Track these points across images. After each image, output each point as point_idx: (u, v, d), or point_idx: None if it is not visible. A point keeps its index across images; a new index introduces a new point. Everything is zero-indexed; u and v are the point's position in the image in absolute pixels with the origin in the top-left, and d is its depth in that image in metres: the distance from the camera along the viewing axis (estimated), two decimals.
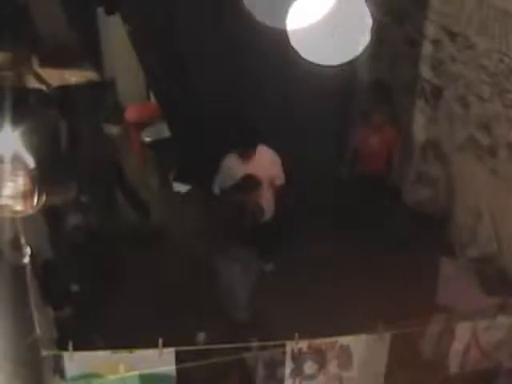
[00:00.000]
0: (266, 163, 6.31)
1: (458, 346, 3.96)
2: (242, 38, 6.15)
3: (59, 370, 3.78)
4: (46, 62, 8.50)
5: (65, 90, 8.13)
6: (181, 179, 8.76)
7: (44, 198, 3.21)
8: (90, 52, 7.73)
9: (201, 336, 6.12)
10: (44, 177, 3.18)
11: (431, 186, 7.22)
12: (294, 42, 3.28)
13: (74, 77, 7.84)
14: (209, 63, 6.21)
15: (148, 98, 10.52)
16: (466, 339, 3.88)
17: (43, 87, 8.03)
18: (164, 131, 8.74)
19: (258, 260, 6.10)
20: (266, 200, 6.32)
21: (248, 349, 3.76)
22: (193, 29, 5.88)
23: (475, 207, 7.07)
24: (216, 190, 6.52)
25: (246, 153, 6.30)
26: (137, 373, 3.70)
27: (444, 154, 7.37)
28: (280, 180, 6.57)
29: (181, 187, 8.82)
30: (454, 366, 4.08)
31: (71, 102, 7.36)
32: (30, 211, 3.26)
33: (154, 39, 5.85)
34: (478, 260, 7.12)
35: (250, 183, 5.80)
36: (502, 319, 3.93)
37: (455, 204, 7.48)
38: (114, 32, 9.06)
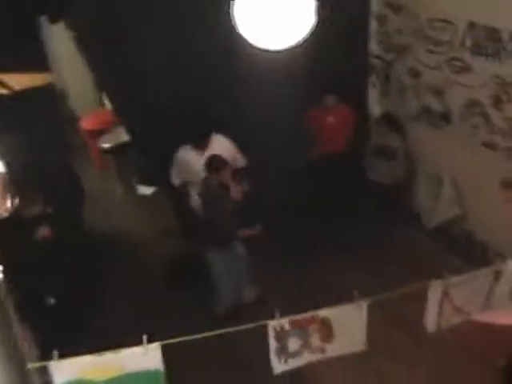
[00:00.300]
0: (221, 149, 6.29)
1: (432, 304, 4.09)
2: (192, 33, 6.18)
3: (46, 381, 3.79)
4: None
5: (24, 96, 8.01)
6: (145, 182, 8.77)
7: (17, 201, 3.23)
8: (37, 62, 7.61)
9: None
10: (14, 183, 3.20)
11: (391, 158, 7.34)
12: (242, 29, 3.33)
13: (34, 80, 7.69)
14: (158, 62, 6.21)
15: (102, 104, 10.49)
16: (438, 297, 4.02)
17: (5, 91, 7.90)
18: (122, 136, 8.70)
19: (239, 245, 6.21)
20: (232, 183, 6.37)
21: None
22: (139, 28, 5.89)
23: (435, 174, 7.25)
24: (176, 182, 6.53)
25: (201, 143, 6.33)
26: (125, 372, 3.71)
27: (400, 125, 7.53)
28: (241, 162, 6.60)
29: (145, 190, 8.83)
30: (430, 325, 4.22)
31: (28, 109, 7.28)
32: (4, 213, 3.27)
33: (100, 43, 5.82)
34: (443, 225, 7.32)
35: (216, 162, 5.84)
36: (469, 275, 4.09)
37: (416, 173, 7.66)
38: (60, 40, 9.03)
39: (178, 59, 6.27)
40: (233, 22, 3.25)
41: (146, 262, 7.30)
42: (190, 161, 6.33)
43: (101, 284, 6.81)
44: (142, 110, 6.44)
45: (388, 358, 5.92)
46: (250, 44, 3.35)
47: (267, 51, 3.45)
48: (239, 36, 3.28)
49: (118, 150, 9.03)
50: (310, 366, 5.46)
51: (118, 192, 8.95)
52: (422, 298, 4.27)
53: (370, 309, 3.95)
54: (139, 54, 6.06)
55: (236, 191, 6.16)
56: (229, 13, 3.26)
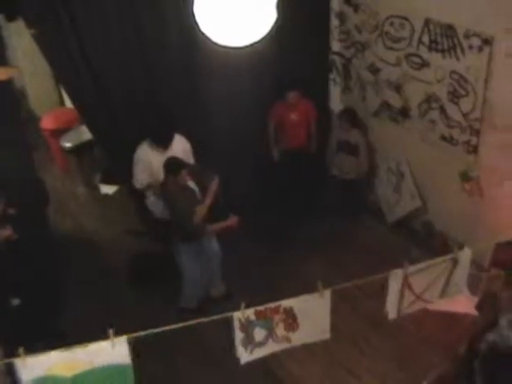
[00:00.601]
0: (181, 150, 6.25)
1: (392, 293, 4.20)
2: (151, 31, 6.19)
3: (13, 380, 3.78)
4: None
5: None
6: (107, 181, 8.72)
7: None
8: None
9: None
10: None
11: (352, 153, 7.46)
12: (203, 26, 3.36)
13: None
14: (118, 59, 6.19)
15: (62, 103, 10.40)
16: (398, 286, 4.13)
17: None
18: (84, 135, 8.64)
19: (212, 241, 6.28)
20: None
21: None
22: (99, 26, 5.88)
23: (396, 168, 7.40)
24: (138, 184, 6.40)
25: (163, 143, 6.21)
26: (93, 367, 3.72)
27: (361, 120, 7.66)
28: (191, 162, 6.46)
29: (108, 189, 8.79)
30: (391, 313, 4.33)
31: None
32: None
33: (62, 40, 5.78)
34: (405, 217, 7.47)
35: (175, 164, 5.82)
36: (428, 263, 4.21)
37: (377, 167, 7.81)
38: (20, 37, 8.94)
39: (139, 57, 6.26)
40: (194, 20, 3.27)
41: (110, 261, 7.29)
42: (153, 160, 6.21)
43: (64, 284, 6.77)
44: (103, 109, 6.41)
45: (352, 348, 6.05)
46: (212, 41, 3.38)
47: (228, 48, 3.48)
48: (200, 33, 3.30)
49: (80, 150, 8.97)
50: (276, 359, 5.65)
51: (80, 191, 8.90)
52: (383, 289, 4.38)
53: (335, 301, 4.04)
54: (99, 52, 6.04)
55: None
56: (190, 10, 3.29)
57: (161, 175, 5.96)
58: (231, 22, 3.20)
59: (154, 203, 6.29)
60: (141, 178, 6.27)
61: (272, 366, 5.76)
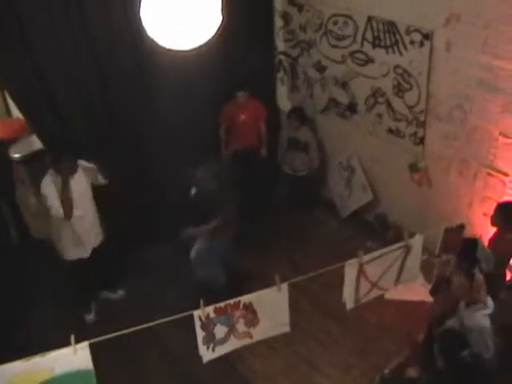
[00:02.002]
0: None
1: (348, 282, 4.29)
2: (98, 34, 6.16)
3: None
4: None
5: None
6: None
7: None
8: None
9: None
10: None
11: (303, 151, 7.57)
12: (149, 30, 3.39)
13: None
14: (69, 69, 6.15)
15: (8, 113, 10.20)
16: (354, 275, 4.22)
17: None
18: (34, 144, 8.49)
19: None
20: None
21: None
22: (48, 34, 5.83)
23: (346, 162, 7.53)
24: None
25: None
26: (55, 375, 3.69)
27: (309, 118, 7.77)
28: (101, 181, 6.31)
29: None
30: (349, 302, 4.42)
31: None
32: None
33: (10, 49, 5.71)
34: (358, 211, 7.60)
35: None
36: (382, 251, 4.32)
37: (328, 163, 7.93)
38: None
39: (88, 64, 6.23)
40: (140, 23, 3.30)
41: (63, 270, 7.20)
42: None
43: (24, 294, 6.68)
44: (54, 118, 6.35)
45: (313, 342, 6.13)
46: (159, 45, 3.40)
47: (175, 51, 3.51)
48: (147, 37, 3.33)
49: (30, 160, 8.81)
50: (238, 356, 5.69)
51: (32, 201, 8.74)
52: (341, 284, 4.47)
53: (293, 296, 4.10)
54: (48, 61, 5.99)
55: None
56: (137, 14, 3.30)
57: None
58: (177, 25, 3.23)
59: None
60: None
61: (235, 364, 5.79)
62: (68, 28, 5.95)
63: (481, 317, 4.50)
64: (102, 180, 6.18)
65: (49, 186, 5.77)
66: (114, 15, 6.11)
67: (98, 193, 6.17)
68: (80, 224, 6.00)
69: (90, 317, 6.54)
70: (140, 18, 3.19)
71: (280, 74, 8.15)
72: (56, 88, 6.13)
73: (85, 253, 6.15)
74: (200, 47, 3.41)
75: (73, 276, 6.35)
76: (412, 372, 4.89)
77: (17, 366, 3.62)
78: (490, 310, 4.55)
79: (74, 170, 5.84)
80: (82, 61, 6.16)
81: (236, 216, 6.20)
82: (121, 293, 6.85)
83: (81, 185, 5.92)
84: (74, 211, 5.80)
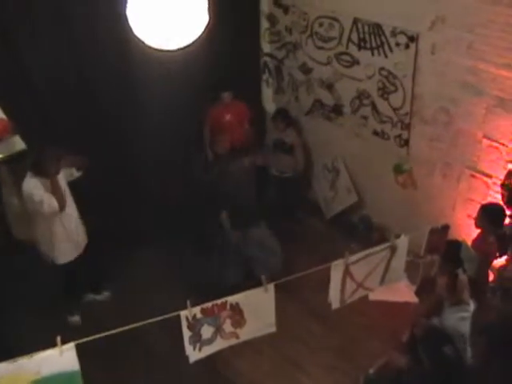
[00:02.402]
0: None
1: (334, 282, 4.30)
2: (83, 34, 6.13)
3: None
4: None
5: None
6: None
7: None
8: None
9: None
10: None
11: (288, 152, 7.55)
12: (136, 29, 3.38)
13: None
14: (48, 65, 6.10)
15: None
16: (340, 275, 4.24)
17: None
18: (17, 145, 8.44)
19: None
20: None
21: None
22: (32, 35, 5.80)
23: (331, 164, 7.56)
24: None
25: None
26: (41, 377, 3.67)
27: (294, 119, 7.79)
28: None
29: None
30: (334, 302, 4.43)
31: None
32: None
33: None
34: (343, 213, 7.63)
35: None
36: (367, 252, 4.34)
37: (313, 165, 7.96)
38: None
39: (72, 64, 6.20)
40: (127, 23, 3.29)
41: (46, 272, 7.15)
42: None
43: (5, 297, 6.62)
44: (38, 118, 6.32)
45: (299, 343, 6.15)
46: (145, 45, 3.40)
47: (162, 51, 3.50)
48: (132, 36, 3.32)
49: (14, 160, 8.75)
50: (224, 358, 5.69)
51: (15, 202, 8.67)
52: (327, 285, 4.48)
53: (279, 298, 4.11)
54: (33, 62, 5.96)
55: None
56: (123, 14, 3.30)
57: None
58: (164, 25, 3.24)
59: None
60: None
61: (220, 366, 5.78)
62: (51, 27, 5.92)
63: (457, 321, 4.55)
64: (76, 173, 6.12)
65: (29, 184, 5.71)
66: (99, 13, 6.08)
67: (79, 192, 6.14)
68: (69, 222, 5.98)
69: (76, 318, 6.49)
70: (126, 17, 3.19)
71: (265, 76, 8.16)
72: (40, 88, 6.10)
73: (76, 252, 6.11)
74: (186, 47, 3.41)
75: (59, 277, 6.31)
76: (401, 361, 4.92)
77: (2, 368, 3.59)
78: (468, 314, 4.61)
79: (57, 171, 5.80)
80: (65, 59, 6.12)
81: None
82: (106, 294, 6.82)
83: (62, 184, 5.89)
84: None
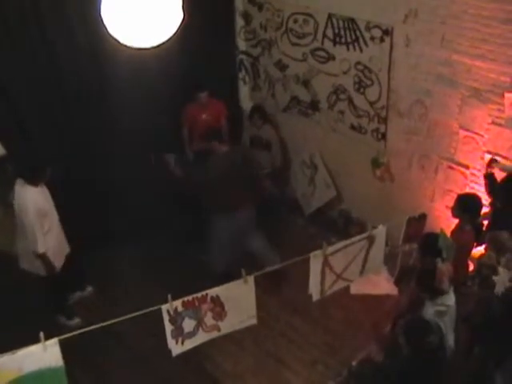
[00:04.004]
0: None
1: (314, 274, 4.31)
2: (57, 32, 6.11)
3: None
4: None
5: None
6: None
7: None
8: None
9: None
10: None
11: (266, 149, 7.58)
12: (110, 28, 3.37)
13: None
14: (28, 75, 6.08)
15: None
16: (319, 267, 4.25)
17: None
18: None
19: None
20: None
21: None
22: (4, 39, 5.79)
23: (309, 160, 7.58)
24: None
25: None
26: (25, 373, 3.64)
27: (271, 116, 7.82)
28: None
29: None
30: (315, 294, 4.44)
31: None
32: None
33: None
34: (322, 208, 7.66)
35: None
36: (346, 242, 4.37)
37: (291, 161, 7.98)
38: None
39: (48, 66, 6.17)
40: (101, 22, 3.28)
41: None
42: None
43: None
44: (16, 125, 6.28)
45: (281, 338, 6.16)
46: (119, 43, 3.39)
47: (136, 49, 3.50)
48: (108, 35, 3.31)
49: None
50: (206, 355, 5.69)
51: None
52: (307, 280, 4.49)
53: (260, 294, 4.12)
54: (8, 67, 5.92)
55: None
56: (97, 12, 3.28)
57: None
58: (138, 23, 3.23)
59: None
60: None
61: (203, 363, 5.78)
62: (24, 29, 5.90)
63: (432, 314, 4.58)
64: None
65: (28, 194, 5.62)
66: (74, 13, 6.07)
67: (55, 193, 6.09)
68: (58, 224, 6.00)
69: (76, 321, 6.38)
70: (100, 16, 3.17)
71: (241, 74, 8.18)
72: (19, 96, 6.08)
73: (63, 258, 6.08)
74: (161, 45, 3.41)
75: (46, 288, 6.23)
76: (377, 356, 4.94)
77: None
78: (445, 308, 4.63)
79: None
80: (41, 61, 6.10)
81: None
82: (90, 289, 6.82)
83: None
84: None
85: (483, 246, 5.18)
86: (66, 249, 6.17)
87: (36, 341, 3.55)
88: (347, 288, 5.61)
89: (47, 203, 5.80)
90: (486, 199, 5.40)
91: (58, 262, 5.99)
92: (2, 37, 5.80)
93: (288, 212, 7.99)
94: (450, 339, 4.70)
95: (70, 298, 6.66)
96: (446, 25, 5.50)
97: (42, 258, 5.72)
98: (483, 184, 5.46)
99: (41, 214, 5.63)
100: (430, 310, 4.60)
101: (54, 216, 5.91)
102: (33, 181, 5.62)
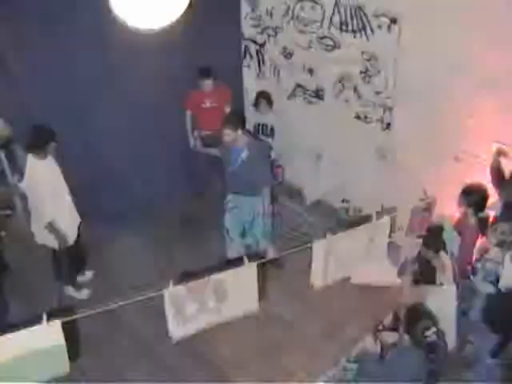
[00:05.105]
0: None
1: (316, 262, 4.29)
2: (62, 15, 6.06)
3: None
4: None
5: None
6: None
7: None
8: None
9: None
10: None
11: (269, 136, 7.53)
12: (116, 9, 3.34)
13: None
14: (28, 53, 6.06)
15: None
16: (322, 255, 4.23)
17: None
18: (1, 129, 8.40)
19: None
20: None
21: None
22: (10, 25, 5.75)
23: (313, 148, 7.54)
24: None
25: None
26: (27, 351, 3.68)
27: (276, 103, 7.72)
28: None
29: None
30: (317, 282, 4.43)
31: None
32: None
33: None
34: (324, 197, 7.62)
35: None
36: (349, 232, 4.34)
37: (295, 149, 7.89)
38: None
39: (51, 51, 6.13)
40: (107, 3, 3.25)
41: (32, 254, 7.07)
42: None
43: None
44: (19, 108, 6.25)
45: (281, 325, 6.14)
46: (124, 26, 3.36)
47: (142, 33, 3.47)
48: (113, 16, 3.28)
49: None
50: (206, 341, 5.67)
51: (1, 190, 8.58)
52: (309, 269, 4.48)
53: (262, 281, 4.10)
54: (13, 53, 5.89)
55: None
56: None
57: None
58: (144, 4, 3.21)
59: None
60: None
61: (203, 350, 5.76)
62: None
63: (439, 306, 4.56)
64: None
65: (37, 167, 5.69)
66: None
67: None
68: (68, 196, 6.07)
69: (85, 292, 6.48)
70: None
71: (246, 61, 8.12)
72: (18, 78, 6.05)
73: (77, 222, 6.19)
74: (167, 28, 3.39)
75: (61, 259, 6.25)
76: (372, 348, 4.93)
77: None
78: (449, 299, 4.61)
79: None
80: (46, 47, 6.06)
81: None
82: (89, 274, 6.81)
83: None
84: None
85: (485, 238, 5.16)
86: (77, 219, 6.23)
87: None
88: (348, 277, 5.57)
89: (56, 176, 5.88)
90: (492, 190, 5.35)
91: (71, 233, 6.07)
92: (9, 31, 5.76)
93: (290, 199, 7.96)
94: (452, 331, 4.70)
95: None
96: (455, 13, 5.42)
97: (51, 227, 5.79)
98: (490, 175, 5.40)
99: (50, 186, 5.70)
100: (434, 301, 4.58)
101: (63, 188, 5.99)
102: (40, 153, 5.70)
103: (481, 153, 5.70)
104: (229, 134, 5.87)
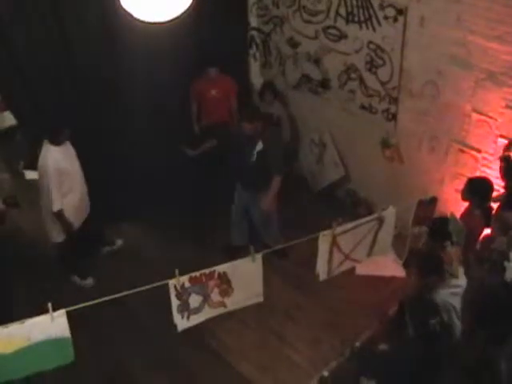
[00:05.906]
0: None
1: (322, 254, 4.30)
2: (69, 7, 6.06)
3: None
4: None
5: None
6: (32, 167, 8.49)
7: None
8: None
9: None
10: None
11: (275, 126, 7.48)
12: (124, 2, 3.33)
13: None
14: (41, 44, 6.03)
15: None
16: (327, 246, 4.23)
17: None
18: (8, 120, 8.42)
19: None
20: None
21: None
22: (19, 14, 5.73)
23: (319, 138, 7.54)
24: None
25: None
26: (32, 342, 3.69)
27: (281, 93, 7.74)
28: None
29: (33, 175, 8.55)
30: (322, 274, 4.43)
31: None
32: None
33: None
34: (329, 187, 7.62)
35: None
36: (355, 223, 4.34)
37: (300, 139, 7.93)
38: None
39: (60, 39, 6.11)
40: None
41: (35, 245, 7.11)
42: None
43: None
44: (28, 95, 6.25)
45: (284, 316, 6.17)
46: (133, 17, 3.35)
47: (149, 23, 3.46)
48: (120, 9, 3.28)
49: (4, 136, 8.73)
50: (210, 331, 5.70)
51: (5, 177, 8.61)
52: (313, 259, 4.48)
53: (265, 272, 4.12)
54: (21, 39, 5.87)
55: None
56: None
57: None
58: None
59: None
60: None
61: (206, 339, 5.81)
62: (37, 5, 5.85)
63: (447, 295, 4.55)
64: None
65: (50, 153, 5.73)
66: None
67: None
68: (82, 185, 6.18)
69: (89, 281, 6.56)
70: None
71: (252, 50, 8.10)
72: (30, 67, 6.03)
73: (86, 213, 6.26)
74: (174, 19, 3.38)
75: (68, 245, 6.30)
76: (383, 346, 4.95)
77: None
78: (460, 289, 4.60)
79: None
80: (52, 35, 6.05)
81: None
82: (119, 242, 7.00)
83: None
84: None
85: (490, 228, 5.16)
86: (87, 209, 6.29)
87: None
88: (352, 268, 5.57)
89: (70, 163, 5.91)
90: (498, 183, 5.35)
91: (77, 222, 6.10)
92: (19, 19, 5.74)
93: (295, 189, 7.94)
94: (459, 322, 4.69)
95: (101, 251, 6.89)
96: (462, 4, 5.39)
97: (58, 216, 5.84)
98: (498, 167, 5.39)
99: (61, 173, 5.73)
100: (443, 292, 4.57)
101: (77, 176, 6.03)
102: (54, 140, 5.74)
103: (485, 147, 5.71)
104: (249, 128, 5.91)
